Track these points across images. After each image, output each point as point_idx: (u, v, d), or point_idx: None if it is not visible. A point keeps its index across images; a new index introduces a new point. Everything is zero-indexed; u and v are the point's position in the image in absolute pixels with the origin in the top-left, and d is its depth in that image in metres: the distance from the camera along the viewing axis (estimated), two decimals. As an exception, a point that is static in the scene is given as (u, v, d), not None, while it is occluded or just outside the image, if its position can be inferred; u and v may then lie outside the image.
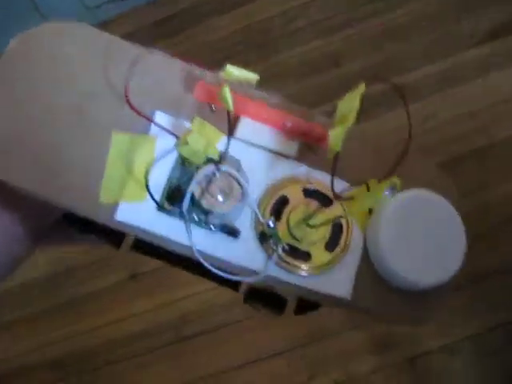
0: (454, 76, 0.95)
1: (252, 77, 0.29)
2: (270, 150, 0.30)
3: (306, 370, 0.86)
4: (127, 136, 0.29)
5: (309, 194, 0.30)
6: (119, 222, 0.29)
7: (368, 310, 0.30)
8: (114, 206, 0.29)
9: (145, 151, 0.29)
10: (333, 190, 0.28)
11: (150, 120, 0.29)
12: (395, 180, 0.27)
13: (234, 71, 0.28)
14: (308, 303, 0.32)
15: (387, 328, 0.85)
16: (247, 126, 0.30)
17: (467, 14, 0.99)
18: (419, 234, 0.29)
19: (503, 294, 0.83)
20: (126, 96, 0.27)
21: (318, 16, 1.07)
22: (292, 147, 0.30)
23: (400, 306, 0.30)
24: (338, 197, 0.29)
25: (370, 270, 0.30)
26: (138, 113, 0.28)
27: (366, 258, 0.30)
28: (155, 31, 1.20)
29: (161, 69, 0.30)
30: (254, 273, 0.29)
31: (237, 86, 0.29)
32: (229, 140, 0.29)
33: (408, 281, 0.28)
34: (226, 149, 0.29)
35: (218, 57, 1.08)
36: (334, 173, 0.27)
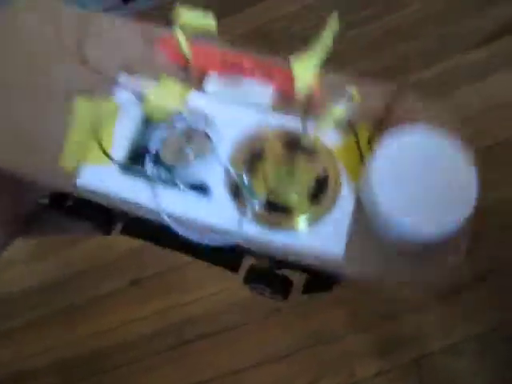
0: (450, 80, 0.95)
1: (209, 22, 0.27)
2: (244, 103, 0.28)
3: (311, 372, 0.86)
4: (91, 101, 0.28)
5: (288, 145, 0.27)
6: (81, 186, 0.27)
7: (365, 273, 0.26)
8: (76, 172, 0.27)
9: (109, 115, 0.28)
10: (304, 131, 0.25)
11: (113, 81, 0.28)
12: (352, 90, 0.23)
13: (185, 14, 0.26)
14: (317, 281, 0.30)
15: (391, 329, 0.85)
16: (216, 79, 0.28)
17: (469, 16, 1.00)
18: (420, 175, 0.25)
19: (507, 293, 0.82)
20: (83, 59, 0.27)
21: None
22: (266, 96, 0.28)
23: (401, 267, 0.25)
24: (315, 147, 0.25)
25: (365, 227, 0.26)
26: (100, 73, 0.27)
27: (360, 213, 0.26)
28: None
29: (121, 31, 0.30)
30: (229, 233, 0.26)
31: (202, 40, 0.28)
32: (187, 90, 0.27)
33: (407, 231, 0.24)
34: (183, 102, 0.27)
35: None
36: (305, 112, 0.25)
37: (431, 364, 0.82)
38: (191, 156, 0.26)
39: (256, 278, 0.31)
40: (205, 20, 0.26)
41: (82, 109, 0.28)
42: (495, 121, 0.91)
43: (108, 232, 0.32)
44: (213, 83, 0.29)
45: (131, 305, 0.94)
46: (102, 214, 0.31)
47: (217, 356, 0.89)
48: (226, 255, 0.31)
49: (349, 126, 0.27)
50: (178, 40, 0.26)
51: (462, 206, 0.24)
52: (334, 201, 0.26)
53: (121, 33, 0.30)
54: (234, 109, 0.28)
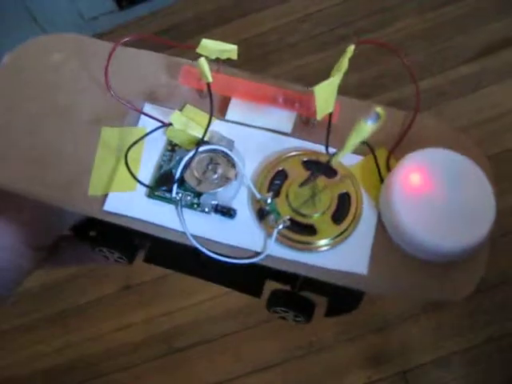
0: (447, 91, 0.96)
1: (230, 48, 0.27)
2: (265, 129, 0.29)
3: (301, 382, 0.86)
4: (116, 130, 0.29)
5: (309, 166, 0.28)
6: (107, 212, 0.28)
7: (389, 288, 0.26)
8: (103, 199, 0.28)
9: (135, 142, 0.28)
10: (327, 150, 0.26)
11: (138, 110, 0.28)
12: (379, 109, 0.24)
13: (209, 44, 0.27)
14: (339, 304, 0.31)
15: (380, 342, 0.85)
16: (238, 107, 0.29)
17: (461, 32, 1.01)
18: (439, 192, 0.25)
19: (497, 307, 0.83)
20: (108, 86, 0.27)
21: (313, 31, 1.08)
22: (287, 123, 0.29)
23: (425, 283, 0.26)
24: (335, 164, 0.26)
25: (387, 243, 0.26)
26: (125, 102, 0.28)
27: (382, 230, 0.27)
28: (154, 42, 1.21)
29: (146, 62, 0.31)
30: (255, 254, 0.26)
31: (222, 67, 0.29)
32: (210, 117, 0.27)
33: (428, 245, 0.25)
34: (206, 128, 0.27)
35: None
36: (328, 132, 0.26)
37: (419, 377, 0.83)
38: (216, 180, 0.27)
39: (279, 301, 0.31)
40: (227, 50, 0.28)
41: (108, 137, 0.29)
42: (486, 135, 0.92)
43: (131, 261, 0.33)
44: (235, 111, 0.30)
45: (121, 312, 0.94)
46: (125, 244, 0.32)
47: (207, 365, 0.89)
48: (248, 280, 0.32)
49: (368, 147, 0.28)
50: (201, 69, 0.27)
51: (483, 221, 0.25)
52: (356, 220, 0.27)
53: (145, 63, 0.31)
54: (256, 134, 0.29)
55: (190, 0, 1.24)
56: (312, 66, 1.03)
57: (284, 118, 0.29)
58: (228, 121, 0.29)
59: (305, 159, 0.28)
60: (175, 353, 0.91)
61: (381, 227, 0.27)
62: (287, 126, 0.29)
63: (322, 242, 0.27)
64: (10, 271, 0.31)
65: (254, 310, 0.87)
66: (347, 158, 0.27)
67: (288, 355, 0.87)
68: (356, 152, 0.27)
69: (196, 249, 0.27)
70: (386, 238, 0.26)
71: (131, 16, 1.24)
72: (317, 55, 1.04)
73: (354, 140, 0.24)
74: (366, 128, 0.23)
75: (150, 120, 0.29)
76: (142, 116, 0.29)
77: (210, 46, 0.27)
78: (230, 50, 0.28)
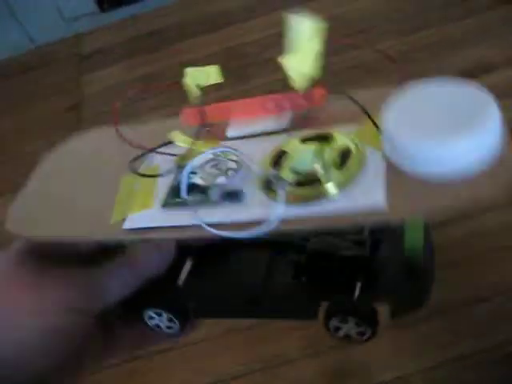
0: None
1: (213, 71, 0.30)
2: (265, 134, 0.31)
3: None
4: (134, 176, 0.31)
5: (307, 139, 0.29)
6: (126, 229, 0.29)
7: (409, 215, 0.26)
8: (123, 221, 0.30)
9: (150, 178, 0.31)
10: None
11: (152, 150, 0.31)
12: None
13: (193, 72, 0.29)
14: (403, 303, 0.30)
15: (342, 358, 0.85)
16: (236, 124, 0.31)
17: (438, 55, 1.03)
18: (438, 110, 0.25)
19: (464, 327, 0.84)
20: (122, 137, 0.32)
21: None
22: (283, 121, 0.31)
23: (443, 198, 0.24)
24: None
25: (397, 175, 0.25)
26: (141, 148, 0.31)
27: (390, 167, 0.26)
28: (134, 46, 1.21)
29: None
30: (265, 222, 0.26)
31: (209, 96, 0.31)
32: (201, 128, 0.30)
33: (436, 157, 0.23)
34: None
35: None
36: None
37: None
38: (219, 174, 0.29)
39: (339, 312, 0.31)
40: (211, 73, 0.30)
41: (127, 183, 0.32)
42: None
43: (183, 323, 0.35)
44: (234, 129, 0.32)
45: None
46: (173, 299, 0.34)
47: (170, 373, 0.88)
48: (302, 305, 0.32)
49: (365, 113, 0.28)
50: (195, 106, 0.30)
51: (488, 127, 0.24)
52: (361, 163, 0.27)
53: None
54: (258, 141, 0.31)
55: (173, 6, 1.24)
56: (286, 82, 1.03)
57: (279, 120, 0.31)
58: (230, 139, 0.31)
59: (302, 137, 0.29)
60: (135, 360, 0.89)
61: (388, 165, 0.26)
62: (284, 123, 0.30)
63: (329, 187, 0.26)
64: (51, 333, 0.30)
65: (217, 321, 0.87)
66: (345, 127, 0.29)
67: (250, 368, 0.87)
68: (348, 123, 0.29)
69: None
70: (395, 171, 0.26)
71: (113, 18, 1.24)
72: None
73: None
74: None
75: (165, 157, 0.31)
76: (155, 157, 0.32)
77: (195, 74, 0.29)
78: (213, 73, 0.30)
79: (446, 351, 0.84)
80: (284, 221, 0.26)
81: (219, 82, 0.30)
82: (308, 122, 0.30)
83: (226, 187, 0.28)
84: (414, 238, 0.30)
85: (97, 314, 0.32)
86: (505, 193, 0.22)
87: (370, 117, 0.28)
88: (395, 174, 0.26)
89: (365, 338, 0.32)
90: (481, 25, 1.05)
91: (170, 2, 1.24)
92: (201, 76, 0.30)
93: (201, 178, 0.29)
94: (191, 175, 0.29)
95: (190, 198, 0.28)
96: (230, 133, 0.31)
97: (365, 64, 1.02)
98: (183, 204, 0.28)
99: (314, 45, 0.27)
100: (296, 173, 0.27)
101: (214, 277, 0.35)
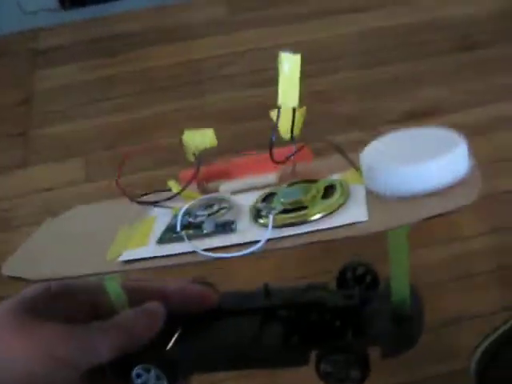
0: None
1: (209, 133, 0.32)
2: (255, 188, 0.32)
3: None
4: (130, 226, 0.33)
5: (294, 183, 0.31)
6: (123, 261, 0.30)
7: (391, 223, 0.27)
8: (120, 256, 0.30)
9: (147, 224, 0.33)
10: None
11: (151, 203, 0.33)
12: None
13: (191, 136, 0.31)
14: (392, 344, 0.32)
15: None
16: (228, 184, 0.34)
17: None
18: (410, 145, 0.29)
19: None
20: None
21: (250, 67, 1.10)
22: (272, 177, 0.33)
23: (425, 200, 0.27)
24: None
25: (379, 198, 0.28)
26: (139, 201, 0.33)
27: (370, 194, 0.29)
28: (93, 47, 1.19)
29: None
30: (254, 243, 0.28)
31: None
32: (196, 172, 0.31)
33: (411, 179, 0.27)
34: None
35: (150, 86, 1.08)
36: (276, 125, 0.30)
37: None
38: (214, 213, 0.30)
39: (330, 356, 0.32)
40: (208, 138, 0.32)
41: (124, 228, 0.33)
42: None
43: (172, 380, 0.35)
44: (226, 185, 0.34)
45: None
46: (162, 355, 0.34)
47: None
48: (292, 353, 0.33)
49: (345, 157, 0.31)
50: (191, 168, 0.31)
51: (455, 151, 0.27)
52: (345, 194, 0.29)
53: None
54: (249, 196, 0.32)
55: (138, 13, 1.24)
56: (242, 101, 1.04)
57: (268, 176, 0.33)
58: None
59: (290, 182, 0.31)
60: None
61: (369, 193, 0.29)
62: (272, 178, 0.33)
63: (317, 214, 0.28)
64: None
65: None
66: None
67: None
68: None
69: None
70: (375, 196, 0.28)
71: (74, 17, 1.23)
72: (248, 91, 1.06)
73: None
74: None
75: (162, 210, 0.33)
76: (152, 211, 0.34)
77: (193, 137, 0.32)
78: (209, 136, 0.32)
79: (395, 377, 0.85)
80: (273, 241, 0.27)
81: (213, 145, 0.32)
82: (295, 175, 0.32)
83: (219, 219, 0.30)
84: (400, 292, 0.32)
85: (84, 370, 0.33)
86: (469, 204, 0.26)
87: (349, 159, 0.31)
88: (375, 198, 0.28)
89: (357, 380, 0.32)
90: (434, 68, 1.09)
91: (134, 8, 1.24)
92: (197, 138, 0.32)
93: (195, 216, 0.30)
94: (186, 216, 0.30)
95: (184, 233, 0.29)
96: (223, 188, 0.33)
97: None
98: (178, 239, 0.29)
99: (296, 78, 0.29)
100: (283, 203, 0.29)
101: (203, 340, 0.36)
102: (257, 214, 0.29)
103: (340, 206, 0.28)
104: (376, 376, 0.33)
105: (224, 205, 0.31)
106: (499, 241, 0.86)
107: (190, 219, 0.30)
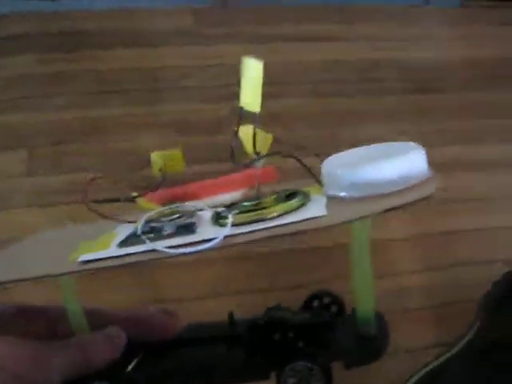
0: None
1: (176, 154, 0.32)
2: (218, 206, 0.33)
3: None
4: (91, 243, 0.33)
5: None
6: (83, 261, 0.29)
7: (352, 215, 0.28)
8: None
9: (110, 236, 0.33)
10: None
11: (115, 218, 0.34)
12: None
13: (158, 158, 0.32)
14: (356, 357, 0.33)
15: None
16: (191, 203, 0.34)
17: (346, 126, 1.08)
18: (368, 154, 0.31)
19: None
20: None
21: (210, 81, 1.11)
22: (236, 195, 0.34)
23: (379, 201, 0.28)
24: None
25: (337, 201, 0.30)
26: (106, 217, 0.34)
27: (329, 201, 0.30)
28: (54, 41, 1.17)
29: None
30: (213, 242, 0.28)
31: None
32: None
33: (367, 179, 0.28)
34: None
35: (106, 87, 1.07)
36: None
37: None
38: (175, 218, 0.31)
39: (293, 364, 0.32)
40: (176, 161, 0.33)
41: (87, 243, 0.33)
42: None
43: None
44: (192, 204, 0.34)
45: None
46: (116, 369, 0.34)
47: None
48: (254, 369, 0.34)
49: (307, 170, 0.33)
50: (157, 190, 0.32)
51: (410, 153, 0.30)
52: (306, 199, 0.30)
53: None
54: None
55: (102, 12, 1.23)
56: (198, 115, 1.05)
57: (232, 195, 0.34)
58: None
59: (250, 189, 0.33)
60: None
61: (328, 198, 0.30)
62: (237, 196, 0.34)
63: (276, 212, 0.29)
64: None
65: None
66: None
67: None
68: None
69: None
70: (334, 199, 0.30)
71: (35, 8, 1.20)
72: (206, 105, 1.06)
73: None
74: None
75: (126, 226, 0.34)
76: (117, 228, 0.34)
77: (159, 160, 0.32)
78: (177, 159, 0.32)
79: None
80: (231, 237, 0.28)
81: (180, 168, 0.33)
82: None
83: (179, 222, 0.30)
84: (365, 313, 0.34)
85: None
86: (427, 196, 0.28)
87: (312, 174, 0.33)
88: (335, 200, 0.30)
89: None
90: (387, 107, 1.12)
91: (102, 7, 1.23)
92: (165, 160, 0.32)
93: (156, 222, 0.30)
94: (148, 224, 0.30)
95: (145, 236, 0.29)
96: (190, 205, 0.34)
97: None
98: (139, 241, 0.29)
99: (258, 84, 0.31)
100: (244, 206, 0.30)
101: (165, 364, 0.35)
102: (217, 217, 0.30)
103: (300, 206, 0.29)
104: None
105: (186, 214, 0.31)
106: (432, 279, 0.89)
107: (152, 224, 0.30)
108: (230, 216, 0.29)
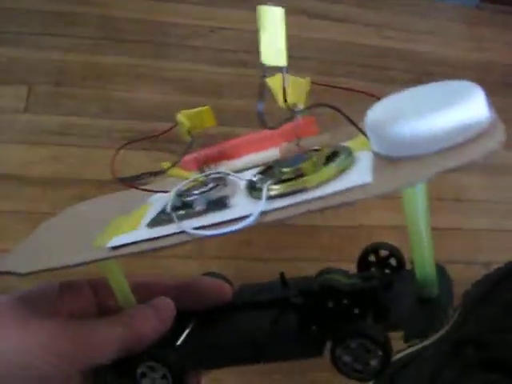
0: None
1: (205, 111, 0.30)
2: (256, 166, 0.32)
3: None
4: (124, 217, 0.31)
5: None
6: (113, 247, 0.28)
7: (399, 184, 0.24)
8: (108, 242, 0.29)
9: (141, 210, 0.32)
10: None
11: (151, 191, 0.31)
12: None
13: (187, 116, 0.29)
14: (415, 329, 0.29)
15: None
16: (228, 165, 0.32)
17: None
18: (421, 102, 0.25)
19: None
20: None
21: (218, 44, 1.10)
22: (274, 152, 0.31)
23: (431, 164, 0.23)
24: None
25: (386, 161, 0.25)
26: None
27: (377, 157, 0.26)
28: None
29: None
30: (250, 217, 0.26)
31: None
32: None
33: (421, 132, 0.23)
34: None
35: (113, 35, 1.05)
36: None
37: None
38: (207, 189, 0.29)
39: (345, 342, 0.29)
40: (203, 115, 0.30)
41: (119, 217, 0.32)
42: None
43: (177, 379, 0.32)
44: (226, 166, 0.32)
45: None
46: (168, 351, 0.32)
47: None
48: (307, 342, 0.31)
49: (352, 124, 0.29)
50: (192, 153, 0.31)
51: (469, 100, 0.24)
52: (351, 160, 0.27)
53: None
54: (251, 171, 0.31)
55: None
56: (202, 76, 1.04)
57: (270, 153, 0.32)
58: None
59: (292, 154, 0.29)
60: None
61: (376, 157, 0.26)
62: (275, 153, 0.31)
63: (316, 180, 0.26)
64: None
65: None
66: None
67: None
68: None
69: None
70: (382, 159, 0.26)
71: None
72: (212, 68, 1.05)
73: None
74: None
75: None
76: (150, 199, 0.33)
77: (190, 117, 0.30)
78: (205, 113, 0.30)
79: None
80: (270, 213, 0.25)
81: (212, 124, 0.30)
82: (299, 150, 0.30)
83: (211, 196, 0.28)
84: (425, 273, 0.29)
85: (85, 368, 0.30)
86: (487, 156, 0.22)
87: (356, 125, 0.28)
88: (382, 160, 0.25)
89: (376, 363, 0.29)
90: (388, 95, 1.12)
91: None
92: (195, 118, 0.30)
93: (187, 196, 0.29)
94: (179, 197, 0.29)
95: (175, 213, 0.27)
96: (222, 169, 0.32)
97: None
98: (168, 220, 0.28)
99: (280, 34, 0.27)
100: (281, 173, 0.27)
101: (215, 334, 0.34)
102: (252, 187, 0.28)
103: (343, 170, 0.26)
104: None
105: (220, 182, 0.29)
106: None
107: (183, 199, 0.29)
108: (264, 188, 0.26)
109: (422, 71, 1.18)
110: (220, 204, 0.28)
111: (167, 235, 0.27)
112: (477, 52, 1.26)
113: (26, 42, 1.00)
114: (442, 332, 0.55)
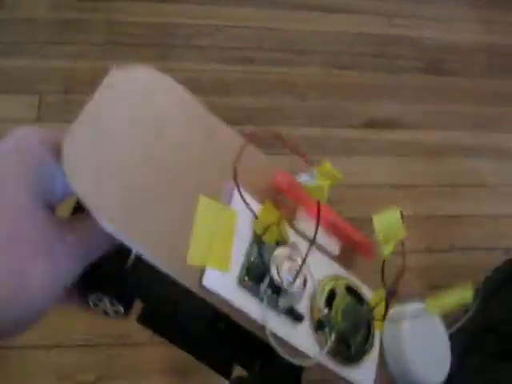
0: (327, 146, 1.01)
1: (337, 174, 0.30)
2: (317, 243, 0.33)
3: (99, 369, 0.84)
4: (213, 202, 0.30)
5: (349, 290, 0.34)
6: (205, 286, 0.28)
7: None
8: (199, 271, 0.28)
9: (227, 222, 0.30)
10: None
11: (239, 192, 0.30)
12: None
13: (328, 169, 0.30)
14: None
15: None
16: (304, 218, 0.33)
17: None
18: (430, 341, 0.35)
19: None
20: (236, 180, 0.29)
21: (225, 43, 1.10)
22: (335, 246, 0.34)
23: None
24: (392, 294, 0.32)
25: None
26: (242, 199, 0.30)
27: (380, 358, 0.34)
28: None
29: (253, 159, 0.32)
30: (307, 357, 0.31)
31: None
32: (317, 227, 0.30)
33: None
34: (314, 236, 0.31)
35: (118, 40, 1.05)
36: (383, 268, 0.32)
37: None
38: (297, 284, 0.31)
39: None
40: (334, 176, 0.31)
41: (206, 207, 0.30)
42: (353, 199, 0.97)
43: (127, 311, 0.33)
44: (301, 222, 0.33)
45: None
46: (123, 288, 0.33)
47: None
48: (218, 359, 0.34)
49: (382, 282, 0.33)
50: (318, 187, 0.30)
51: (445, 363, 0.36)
52: (371, 345, 0.34)
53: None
54: (316, 253, 0.33)
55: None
56: (210, 75, 1.04)
57: (333, 241, 0.34)
58: (296, 228, 0.33)
59: (347, 284, 0.34)
60: None
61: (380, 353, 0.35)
62: (335, 250, 0.34)
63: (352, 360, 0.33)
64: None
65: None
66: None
67: (94, 340, 0.84)
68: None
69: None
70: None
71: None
72: (219, 66, 1.05)
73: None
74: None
75: (240, 201, 0.30)
76: (235, 196, 0.30)
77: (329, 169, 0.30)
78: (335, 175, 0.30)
79: None
80: (319, 364, 0.31)
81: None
82: (353, 262, 0.35)
83: (293, 304, 0.31)
84: None
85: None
86: None
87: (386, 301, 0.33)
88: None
89: None
90: (400, 84, 1.11)
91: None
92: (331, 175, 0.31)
93: (277, 273, 0.30)
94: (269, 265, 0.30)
95: (263, 291, 0.30)
96: (299, 225, 0.33)
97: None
98: (255, 291, 0.30)
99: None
100: (343, 321, 0.33)
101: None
102: (318, 324, 0.32)
103: (365, 357, 0.33)
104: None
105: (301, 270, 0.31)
106: (431, 259, 0.90)
107: (273, 271, 0.30)
108: (326, 347, 0.31)
109: (433, 58, 1.18)
110: (297, 318, 0.31)
111: (249, 317, 0.29)
112: (485, 35, 1.25)
113: (34, 52, 1.00)
114: (463, 320, 0.54)
